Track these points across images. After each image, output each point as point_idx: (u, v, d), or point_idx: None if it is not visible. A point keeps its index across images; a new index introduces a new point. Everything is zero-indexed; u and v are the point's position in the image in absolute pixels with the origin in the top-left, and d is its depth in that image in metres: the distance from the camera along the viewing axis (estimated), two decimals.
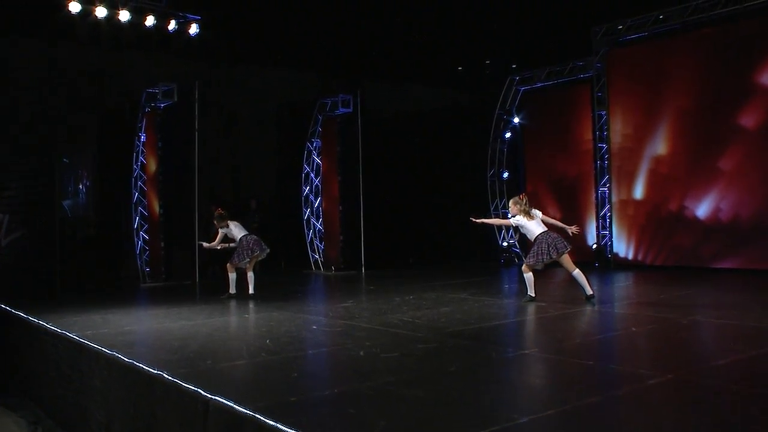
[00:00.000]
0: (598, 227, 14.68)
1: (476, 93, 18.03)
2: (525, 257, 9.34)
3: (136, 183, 13.77)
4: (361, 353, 6.10)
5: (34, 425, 7.68)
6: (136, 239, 13.68)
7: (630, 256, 14.01)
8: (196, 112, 13.41)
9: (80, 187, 15.67)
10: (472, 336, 6.94)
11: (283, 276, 15.23)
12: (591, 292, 8.95)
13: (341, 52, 16.19)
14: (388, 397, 4.59)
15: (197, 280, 13.43)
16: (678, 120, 13.25)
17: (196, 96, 13.37)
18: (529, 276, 9.20)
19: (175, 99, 13.03)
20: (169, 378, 5.21)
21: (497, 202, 16.94)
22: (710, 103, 12.79)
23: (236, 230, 10.51)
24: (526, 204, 9.37)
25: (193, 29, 12.93)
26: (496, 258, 16.81)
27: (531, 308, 8.71)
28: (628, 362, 5.55)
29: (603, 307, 8.52)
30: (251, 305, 9.61)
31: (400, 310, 8.70)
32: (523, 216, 9.28)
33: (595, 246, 14.71)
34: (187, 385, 4.92)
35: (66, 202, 15.92)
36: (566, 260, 8.97)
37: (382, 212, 16.55)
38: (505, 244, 16.77)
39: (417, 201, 17.94)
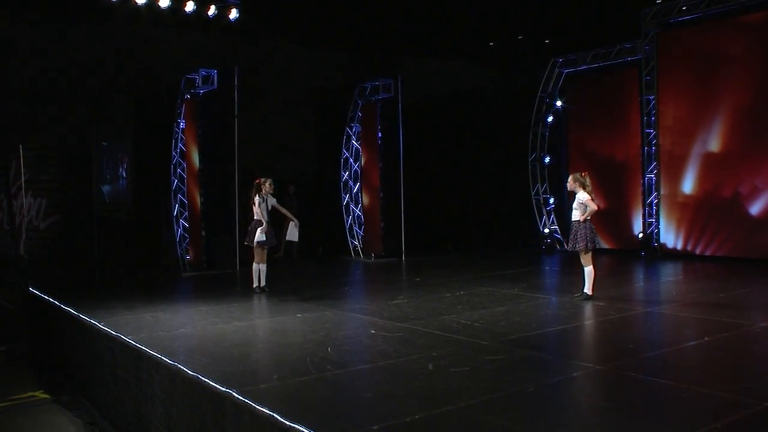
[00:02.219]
0: (644, 215, 14.31)
1: (517, 75, 17.57)
2: (571, 244, 8.98)
3: (175, 170, 13.62)
4: (430, 366, 5.90)
5: (91, 426, 7.62)
6: (175, 227, 13.56)
7: (678, 246, 13.64)
8: (236, 98, 13.15)
9: (120, 172, 15.57)
10: (538, 345, 6.71)
11: (322, 263, 15.10)
12: (591, 293, 8.77)
13: (379, 33, 15.82)
14: (474, 427, 4.39)
15: (237, 269, 13.30)
16: (733, 106, 12.77)
17: (236, 82, 13.10)
18: (589, 270, 8.91)
19: (215, 85, 12.78)
20: (240, 398, 5.04)
21: (538, 187, 16.59)
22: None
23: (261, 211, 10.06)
24: (588, 182, 9.04)
25: (233, 14, 12.67)
26: (536, 244, 16.51)
27: (589, 309, 8.45)
28: (718, 383, 5.26)
29: (663, 308, 8.25)
30: (291, 303, 9.44)
31: (454, 310, 8.48)
32: (585, 193, 8.93)
33: (641, 235, 14.35)
34: (261, 408, 4.75)
35: (105, 188, 15.85)
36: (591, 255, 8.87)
37: (421, 198, 16.28)
38: (546, 230, 16.45)
39: (455, 186, 17.64)
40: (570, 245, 9.00)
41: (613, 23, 14.69)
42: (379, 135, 14.76)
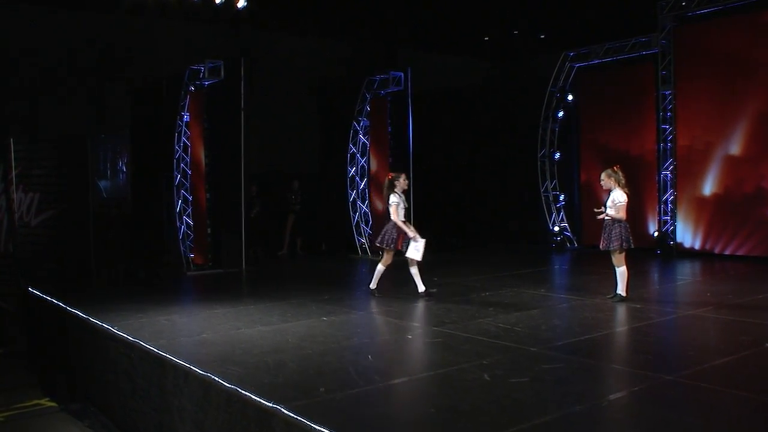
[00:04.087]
0: (660, 213, 13.99)
1: (527, 70, 17.19)
2: (605, 243, 8.57)
3: (178, 165, 13.07)
4: (486, 377, 5.48)
5: None
6: (178, 223, 13.03)
7: (696, 245, 13.32)
8: (242, 91, 12.63)
9: (119, 166, 15.01)
10: (591, 352, 6.32)
11: (329, 261, 14.64)
12: (624, 295, 8.45)
13: (385, 26, 15.39)
14: None
15: (244, 267, 12.81)
16: (754, 103, 12.46)
17: (242, 73, 12.58)
18: (623, 271, 8.55)
19: (222, 76, 12.26)
20: (291, 415, 4.59)
21: (547, 184, 16.22)
22: None
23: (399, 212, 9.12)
24: (622, 177, 8.66)
25: (241, 2, 12.15)
26: (545, 242, 16.15)
27: (628, 312, 8.07)
28: None
29: (704, 311, 7.89)
30: (302, 306, 8.99)
31: (487, 313, 8.08)
32: (621, 189, 8.56)
33: (656, 233, 14.02)
34: (319, 427, 4.30)
35: (102, 183, 15.28)
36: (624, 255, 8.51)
37: (428, 195, 15.85)
38: (556, 228, 16.09)
39: (462, 182, 17.25)
40: (603, 244, 8.62)
41: (627, 16, 14.35)
42: (390, 129, 14.28)
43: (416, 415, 4.60)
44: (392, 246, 9.14)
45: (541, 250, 15.44)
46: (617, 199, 8.51)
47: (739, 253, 12.69)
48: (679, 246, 13.57)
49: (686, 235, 13.52)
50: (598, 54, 15.11)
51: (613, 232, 8.45)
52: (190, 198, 13.00)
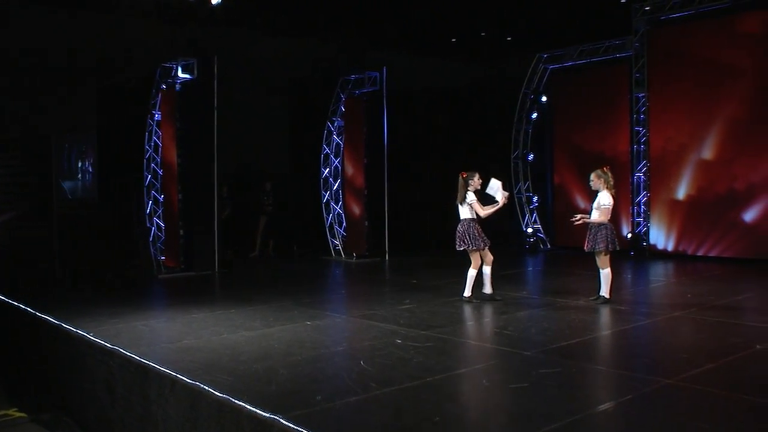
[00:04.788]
0: (633, 214, 14.09)
1: (501, 71, 17.19)
2: (590, 244, 8.53)
3: (148, 165, 12.72)
4: (485, 382, 5.37)
5: None
6: (149, 225, 12.67)
7: (669, 247, 13.45)
8: (215, 89, 12.34)
9: (84, 166, 14.59)
10: (586, 356, 6.26)
11: (301, 262, 14.41)
12: (608, 297, 8.44)
13: (358, 26, 15.23)
14: None
15: (216, 270, 12.51)
16: (726, 107, 12.60)
17: (215, 72, 12.29)
18: (607, 273, 8.52)
19: (195, 75, 11.95)
20: (291, 425, 4.40)
21: (521, 185, 16.25)
22: (761, 86, 12.16)
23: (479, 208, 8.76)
24: (610, 178, 8.63)
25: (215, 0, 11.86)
26: (518, 242, 16.14)
27: (615, 315, 8.05)
28: None
29: (689, 313, 7.90)
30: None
31: (472, 316, 8.02)
32: (608, 192, 8.54)
33: (630, 235, 14.11)
34: None
35: (66, 183, 14.83)
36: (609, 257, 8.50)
37: (401, 195, 15.71)
38: (529, 229, 16.11)
39: (436, 182, 17.14)
40: (588, 246, 8.58)
41: (602, 19, 14.43)
42: (365, 130, 14.10)
43: (421, 425, 4.44)
44: (477, 245, 8.72)
45: (515, 252, 15.42)
46: (603, 202, 8.48)
47: (712, 254, 12.84)
48: (652, 247, 13.68)
49: (659, 236, 13.64)
50: (572, 56, 15.19)
51: (599, 234, 8.42)
52: (161, 199, 12.66)
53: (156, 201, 12.69)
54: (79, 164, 14.21)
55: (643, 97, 13.77)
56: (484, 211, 8.79)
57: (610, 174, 8.63)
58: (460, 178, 8.86)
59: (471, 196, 8.72)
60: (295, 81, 15.92)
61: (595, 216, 8.54)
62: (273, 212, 15.23)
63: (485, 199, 8.97)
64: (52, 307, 8.54)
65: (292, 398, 5.03)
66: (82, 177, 14.91)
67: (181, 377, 5.55)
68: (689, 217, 13.17)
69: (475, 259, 8.74)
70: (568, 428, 4.28)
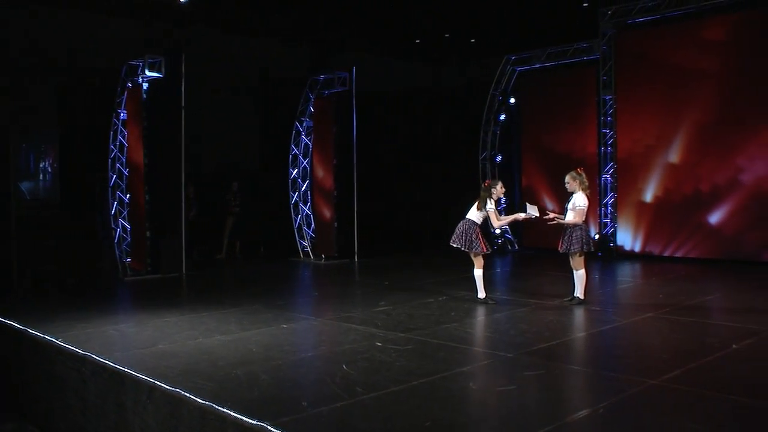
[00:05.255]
0: (600, 215, 14.24)
1: (470, 72, 17.24)
2: (564, 245, 8.57)
3: (113, 165, 12.41)
4: (472, 385, 5.32)
5: None
6: (114, 227, 12.36)
7: (636, 248, 13.63)
8: (183, 88, 12.09)
9: (42, 166, 14.18)
10: (568, 357, 6.29)
11: (270, 265, 14.22)
12: (582, 298, 8.51)
13: (327, 27, 15.13)
14: None
15: (184, 272, 12.26)
16: (691, 109, 12.82)
17: (183, 70, 12.04)
18: (581, 274, 8.57)
19: (163, 73, 11.68)
20: None
21: None
22: (726, 90, 12.40)
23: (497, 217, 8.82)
24: (585, 179, 8.68)
25: None
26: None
27: (591, 315, 8.11)
28: None
29: (663, 313, 7.98)
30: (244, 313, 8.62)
31: (451, 318, 7.95)
32: (583, 193, 8.58)
33: (597, 236, 14.26)
34: None
35: (24, 184, 14.40)
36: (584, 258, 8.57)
37: (370, 197, 15.64)
38: (497, 230, 16.14)
39: (405, 184, 17.13)
40: (563, 247, 8.60)
41: (569, 22, 14.58)
42: (335, 130, 13.97)
43: (412, 431, 4.37)
44: (474, 249, 8.65)
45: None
46: (578, 203, 8.51)
47: (678, 254, 13.04)
48: (620, 248, 13.84)
49: (626, 237, 13.81)
50: (540, 58, 15.28)
51: (574, 234, 8.46)
52: (127, 200, 12.36)
53: (121, 202, 12.39)
54: (43, 164, 13.82)
55: (610, 99, 13.94)
56: (499, 222, 8.86)
57: (584, 175, 8.68)
58: (483, 186, 8.87)
59: (490, 205, 8.68)
60: (263, 81, 15.74)
61: (570, 217, 8.58)
62: (240, 213, 15.00)
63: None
64: (16, 311, 8.26)
65: (277, 404, 4.92)
66: (42, 177, 14.50)
67: (160, 383, 5.39)
68: (656, 218, 13.36)
69: (477, 259, 8.70)
70: (561, 431, 4.25)
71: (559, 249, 8.70)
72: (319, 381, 5.45)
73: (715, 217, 12.54)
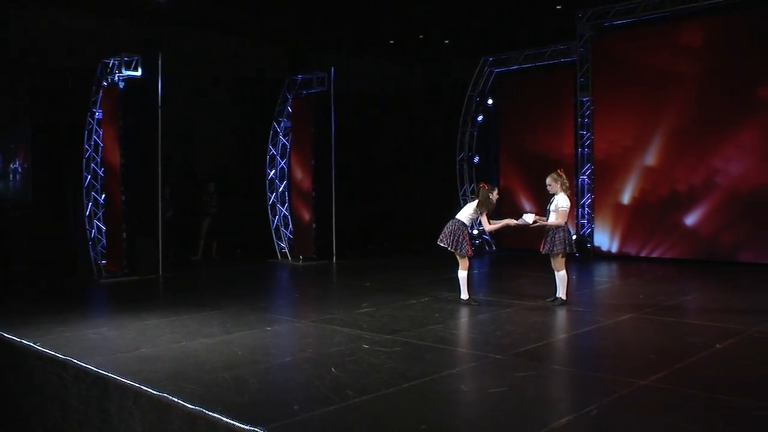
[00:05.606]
0: (577, 216, 14.34)
1: (447, 72, 17.26)
2: (547, 246, 8.60)
3: (88, 165, 12.19)
4: (464, 387, 5.30)
5: None
6: (88, 228, 12.14)
7: (614, 248, 13.76)
8: (160, 87, 11.91)
9: (13, 166, 13.88)
10: (556, 358, 6.32)
11: (247, 266, 14.08)
12: (565, 299, 8.56)
13: (305, 27, 15.01)
14: None
15: (161, 274, 12.09)
16: (667, 111, 12.98)
17: (160, 69, 11.86)
18: (563, 275, 8.61)
19: (140, 72, 11.49)
20: None
21: (466, 187, 16.34)
22: (702, 92, 12.58)
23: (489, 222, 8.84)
24: (566, 180, 8.73)
25: None
26: None
27: (575, 316, 8.15)
28: None
29: (646, 313, 8.06)
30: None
31: (435, 319, 7.93)
32: (565, 194, 8.63)
33: (574, 236, 14.33)
34: None
35: None
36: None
37: (347, 197, 15.57)
38: (474, 231, 16.17)
39: (382, 184, 17.09)
40: (546, 248, 8.63)
41: (547, 25, 14.65)
42: (313, 130, 13.88)
43: None
44: (460, 251, 8.61)
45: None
46: (560, 204, 8.55)
47: (654, 255, 13.19)
48: (597, 249, 13.96)
49: (603, 238, 13.93)
50: (518, 60, 15.37)
51: (557, 236, 8.49)
52: (102, 200, 12.15)
53: (96, 202, 12.18)
54: (14, 163, 13.50)
55: (587, 101, 14.06)
56: (491, 226, 8.83)
57: (564, 176, 8.73)
58: (482, 189, 8.79)
59: (484, 210, 8.68)
60: (240, 81, 15.57)
61: (553, 218, 8.61)
62: (216, 214, 14.84)
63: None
64: None
65: (268, 408, 4.85)
66: (12, 177, 14.19)
67: (146, 388, 5.27)
68: (633, 219, 13.50)
69: (462, 261, 8.68)
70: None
71: (541, 250, 8.73)
72: (309, 384, 5.39)
73: (691, 218, 12.71)
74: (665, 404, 4.82)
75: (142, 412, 5.22)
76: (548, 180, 8.71)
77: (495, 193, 8.84)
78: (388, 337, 7.01)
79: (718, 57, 12.40)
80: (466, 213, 8.77)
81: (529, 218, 8.72)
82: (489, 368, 5.84)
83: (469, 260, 8.82)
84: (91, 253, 12.07)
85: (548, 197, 8.85)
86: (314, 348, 6.60)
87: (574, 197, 14.24)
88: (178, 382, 5.45)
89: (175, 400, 4.99)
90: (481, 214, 8.70)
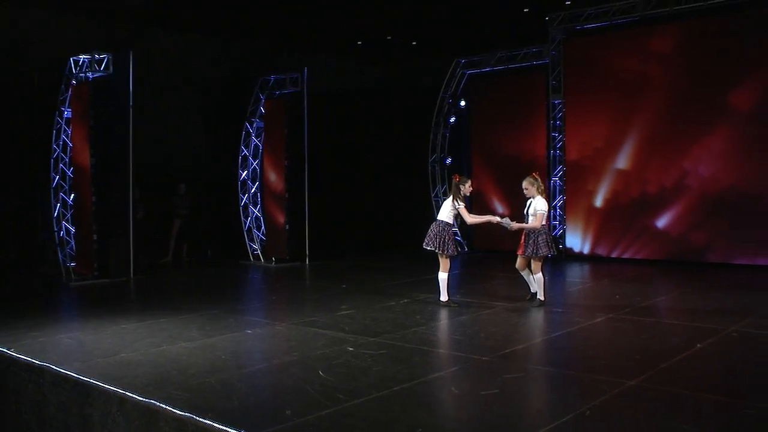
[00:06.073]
0: (549, 217, 14.42)
1: (420, 74, 17.27)
2: (531, 249, 8.64)
3: (56, 165, 11.91)
4: (454, 389, 5.28)
5: None
6: (56, 229, 11.85)
7: (585, 249, 13.91)
8: (131, 86, 11.68)
9: None
10: (544, 359, 6.36)
11: (220, 268, 13.91)
12: (543, 299, 8.65)
13: (275, 27, 14.88)
14: None
15: (132, 276, 11.85)
16: (638, 114, 13.17)
17: (131, 67, 11.63)
18: (539, 277, 8.67)
19: (111, 70, 11.26)
20: None
21: (438, 189, 16.37)
22: (672, 95, 12.79)
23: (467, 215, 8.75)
24: (541, 182, 8.79)
25: None
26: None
27: (555, 316, 8.21)
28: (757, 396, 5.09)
29: (624, 314, 8.15)
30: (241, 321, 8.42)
31: (417, 321, 7.92)
32: (542, 197, 8.69)
33: None
34: None
35: None
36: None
37: (320, 199, 15.47)
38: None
39: (355, 186, 17.03)
40: (529, 251, 8.64)
41: (520, 27, 14.75)
42: (286, 131, 13.76)
43: None
44: (447, 251, 8.57)
45: (433, 255, 15.45)
46: (539, 208, 8.62)
47: (626, 256, 13.37)
48: (569, 250, 14.10)
49: (575, 239, 14.07)
50: (490, 62, 15.45)
51: (539, 239, 8.55)
52: (70, 201, 11.88)
53: (65, 204, 11.90)
54: None
55: (559, 103, 14.19)
56: (471, 219, 8.74)
57: (539, 179, 8.80)
58: (453, 180, 8.72)
59: (460, 203, 8.58)
60: (212, 81, 15.38)
61: (531, 221, 8.67)
62: (187, 215, 14.63)
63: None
64: None
65: (260, 413, 4.77)
66: None
67: (131, 395, 5.15)
68: (604, 221, 13.67)
69: (443, 262, 8.63)
70: None
71: (520, 252, 8.76)
72: (298, 388, 5.31)
73: (661, 219, 12.91)
74: (657, 405, 4.86)
75: (128, 419, 5.10)
76: (524, 184, 8.77)
77: (468, 184, 8.79)
78: (372, 339, 6.96)
79: (689, 62, 12.63)
80: (445, 211, 8.75)
81: (510, 223, 8.72)
82: (477, 370, 5.83)
83: (451, 262, 8.80)
84: (60, 256, 11.78)
85: (521, 198, 8.92)
86: (299, 351, 6.52)
87: (547, 198, 14.40)
88: (163, 388, 5.33)
89: (163, 406, 4.88)
90: (458, 206, 8.60)
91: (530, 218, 8.69)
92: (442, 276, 8.72)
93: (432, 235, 8.66)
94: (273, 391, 5.31)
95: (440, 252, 8.60)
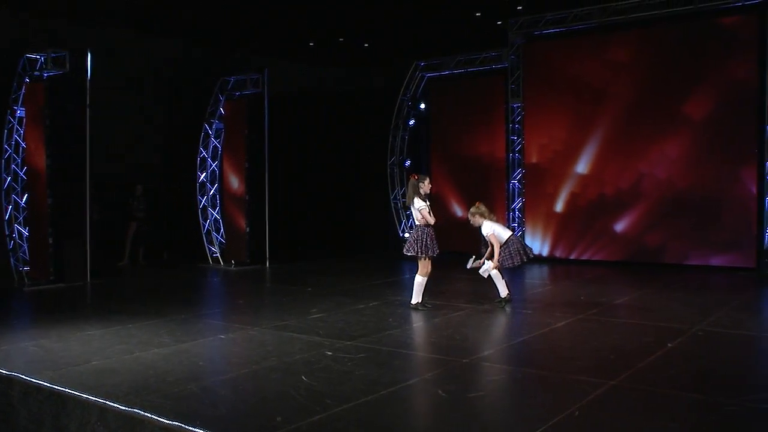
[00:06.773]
0: (508, 220, 14.65)
1: (380, 77, 17.28)
2: (512, 259, 8.81)
3: (8, 166, 11.49)
4: (441, 393, 5.28)
5: None
6: (8, 232, 11.43)
7: (544, 251, 14.13)
8: (88, 85, 11.36)
9: None
10: (524, 361, 6.41)
11: (178, 271, 13.64)
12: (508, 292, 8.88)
13: (235, 28, 14.68)
14: None
15: (88, 280, 11.52)
16: (599, 117, 13.44)
17: (89, 66, 11.31)
18: (496, 273, 8.80)
19: (68, 68, 10.93)
20: None
21: (397, 191, 16.41)
22: (629, 100, 13.09)
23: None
24: (485, 209, 9.03)
25: None
26: (395, 248, 16.20)
27: (525, 318, 8.33)
28: (750, 393, 5.25)
29: (593, 314, 8.31)
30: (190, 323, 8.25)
31: (390, 324, 7.91)
32: (489, 220, 8.94)
33: None
34: None
35: None
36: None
37: (279, 201, 15.32)
38: (406, 235, 16.27)
39: (313, 188, 16.94)
40: (517, 260, 8.82)
41: (480, 32, 14.88)
42: (247, 133, 13.58)
43: None
44: (429, 253, 8.51)
45: (394, 258, 15.49)
46: (488, 231, 8.93)
47: (584, 257, 13.63)
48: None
49: (534, 241, 14.28)
50: (450, 65, 15.56)
51: (511, 248, 8.72)
52: (23, 203, 11.48)
53: (17, 206, 11.49)
54: None
55: (518, 107, 14.38)
56: (433, 219, 8.68)
57: (482, 206, 8.99)
58: (412, 180, 8.69)
59: (420, 203, 8.51)
60: (171, 81, 15.08)
61: (495, 245, 8.83)
62: (144, 218, 14.29)
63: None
64: None
65: (250, 421, 4.69)
66: None
67: (112, 404, 5.00)
68: (563, 223, 13.91)
69: (422, 266, 8.62)
70: None
71: (509, 264, 8.89)
72: (284, 394, 5.24)
73: (618, 221, 13.21)
74: (644, 403, 4.96)
75: (109, 429, 4.94)
76: (469, 218, 9.10)
77: (426, 182, 8.74)
78: (349, 343, 6.92)
79: (645, 69, 12.94)
80: (416, 216, 8.76)
81: (487, 268, 8.82)
82: (460, 373, 5.85)
83: (432, 266, 8.77)
84: (11, 260, 11.37)
85: (475, 200, 9.35)
86: (277, 356, 6.43)
87: (506, 201, 14.62)
88: (143, 396, 5.19)
89: (148, 415, 4.75)
90: (420, 207, 8.49)
91: (491, 245, 8.94)
92: (420, 279, 8.72)
93: (411, 241, 8.67)
94: (259, 398, 5.22)
95: (422, 255, 8.57)
